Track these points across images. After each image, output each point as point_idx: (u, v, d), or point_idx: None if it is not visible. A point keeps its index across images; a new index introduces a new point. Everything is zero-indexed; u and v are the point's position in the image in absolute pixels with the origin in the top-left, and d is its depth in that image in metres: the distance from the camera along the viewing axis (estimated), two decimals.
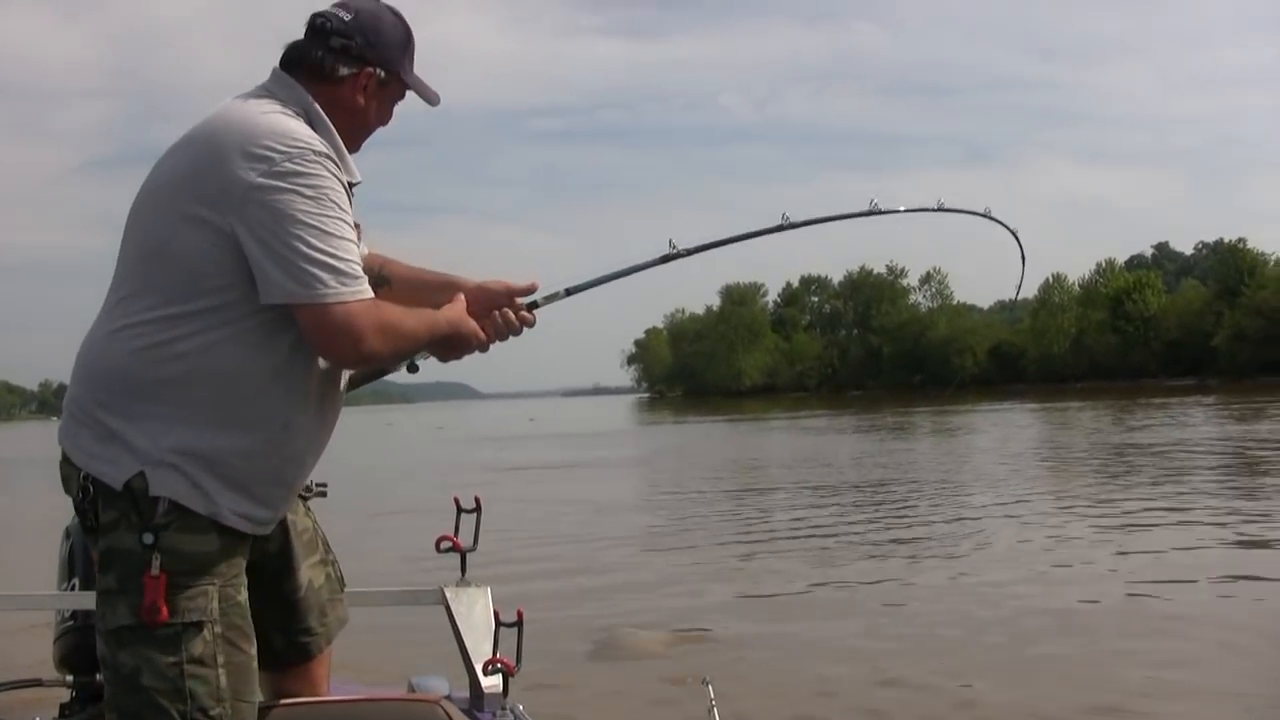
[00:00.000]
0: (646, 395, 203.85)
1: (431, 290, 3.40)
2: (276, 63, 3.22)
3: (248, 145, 2.89)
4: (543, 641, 9.05)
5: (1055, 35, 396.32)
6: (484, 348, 3.31)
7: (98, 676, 3.00)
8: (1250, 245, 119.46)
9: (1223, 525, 15.27)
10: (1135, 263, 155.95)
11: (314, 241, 2.85)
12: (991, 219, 4.49)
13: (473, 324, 3.26)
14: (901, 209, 4.23)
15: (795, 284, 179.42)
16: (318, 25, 3.18)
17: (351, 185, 3.09)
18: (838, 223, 4.11)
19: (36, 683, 4.74)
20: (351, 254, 2.92)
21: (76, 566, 4.02)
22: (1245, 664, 8.52)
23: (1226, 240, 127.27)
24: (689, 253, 3.82)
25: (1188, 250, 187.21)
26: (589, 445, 43.71)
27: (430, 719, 3.33)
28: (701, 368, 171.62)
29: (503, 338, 3.36)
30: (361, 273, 2.95)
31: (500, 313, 3.36)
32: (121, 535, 2.90)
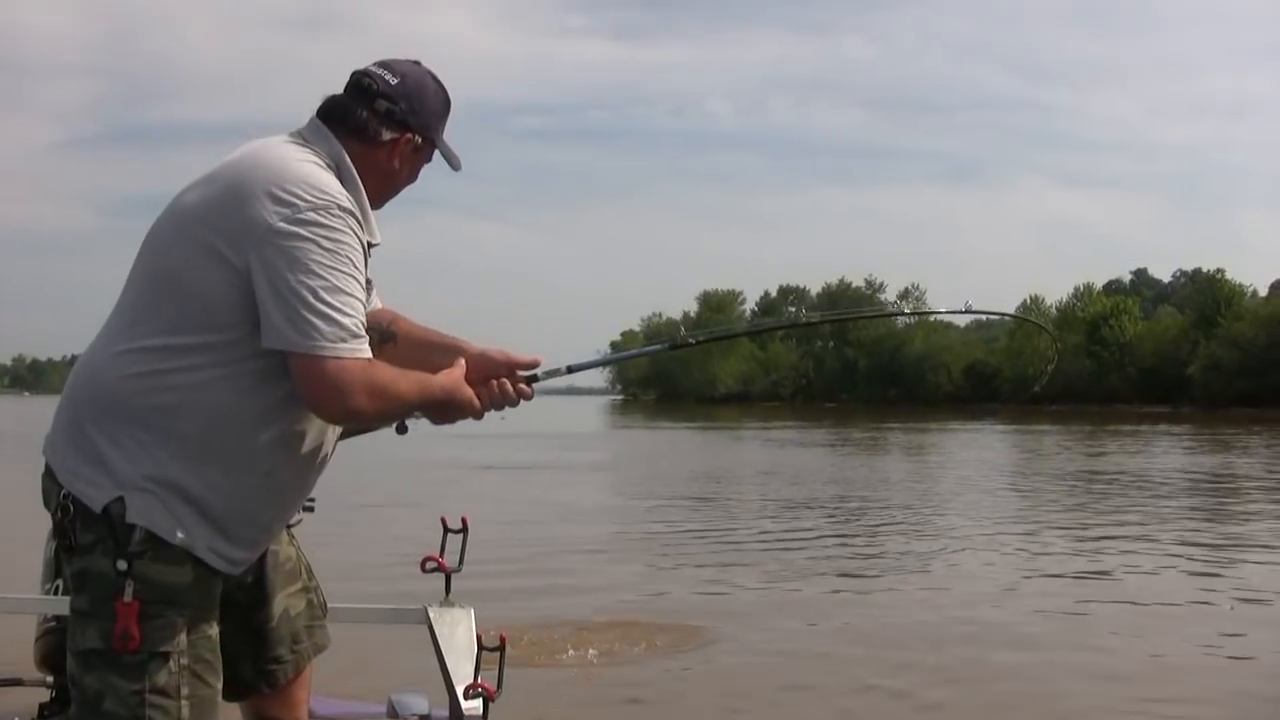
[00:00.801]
0: (620, 397, 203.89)
1: (435, 351, 3.41)
2: (314, 113, 3.21)
3: (274, 188, 2.89)
4: (515, 660, 9.09)
5: (1043, 57, 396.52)
6: (478, 416, 3.31)
7: None
8: (1229, 276, 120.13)
9: (1179, 556, 15.39)
10: (1113, 288, 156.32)
11: (321, 294, 2.85)
12: (1028, 320, 4.62)
13: (468, 392, 3.26)
14: (942, 309, 4.33)
15: (773, 294, 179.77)
16: (364, 85, 3.20)
17: (370, 245, 3.08)
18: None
19: (17, 682, 4.76)
20: (356, 312, 2.92)
21: (61, 568, 4.04)
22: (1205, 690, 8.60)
23: (1205, 270, 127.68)
24: (698, 342, 3.95)
25: (1166, 278, 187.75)
26: (559, 447, 43.52)
27: None
28: (676, 372, 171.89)
29: (498, 407, 3.37)
30: (363, 332, 2.95)
31: (499, 383, 3.36)
32: (97, 559, 2.90)
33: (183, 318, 2.93)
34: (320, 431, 3.13)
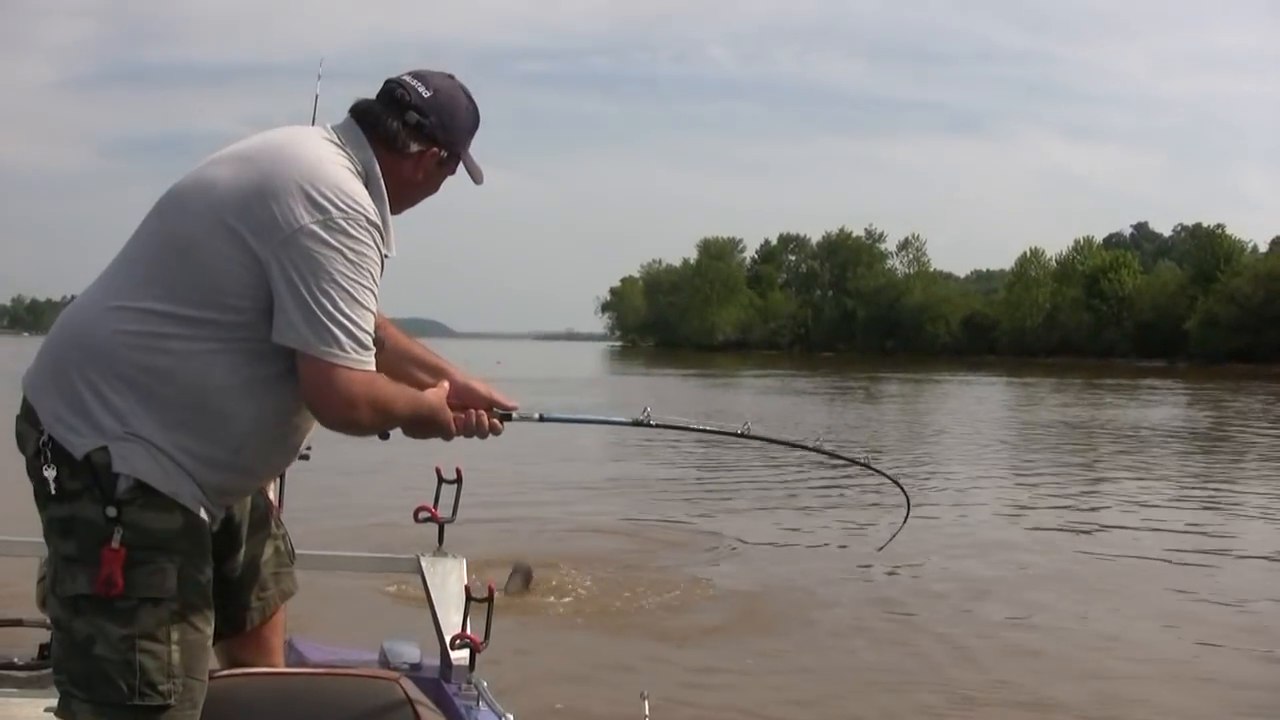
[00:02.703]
0: (619, 344, 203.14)
1: (418, 366, 3.55)
2: (348, 111, 3.27)
3: (309, 188, 2.97)
4: (503, 612, 9.14)
5: (1047, 8, 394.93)
6: (449, 438, 3.41)
7: None
8: (1229, 231, 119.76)
9: (1173, 508, 15.56)
10: (1113, 241, 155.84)
11: (341, 304, 2.95)
12: (844, 458, 4.71)
13: (449, 414, 3.37)
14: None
15: (774, 241, 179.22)
16: (396, 96, 3.23)
17: (385, 257, 3.15)
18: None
19: (17, 622, 4.81)
20: (370, 326, 3.03)
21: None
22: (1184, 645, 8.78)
23: (1205, 225, 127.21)
24: (657, 426, 3.99)
25: (1166, 232, 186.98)
26: (555, 392, 43.52)
27: (388, 696, 3.36)
28: (675, 319, 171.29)
29: (468, 435, 3.47)
30: (372, 345, 3.05)
31: (475, 413, 3.46)
32: (85, 505, 2.95)
33: (190, 290, 3.00)
34: (301, 421, 3.22)
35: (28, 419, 3.08)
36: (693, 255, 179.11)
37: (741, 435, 4.08)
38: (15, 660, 4.42)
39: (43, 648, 4.43)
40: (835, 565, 11.80)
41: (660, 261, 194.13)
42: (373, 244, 3.03)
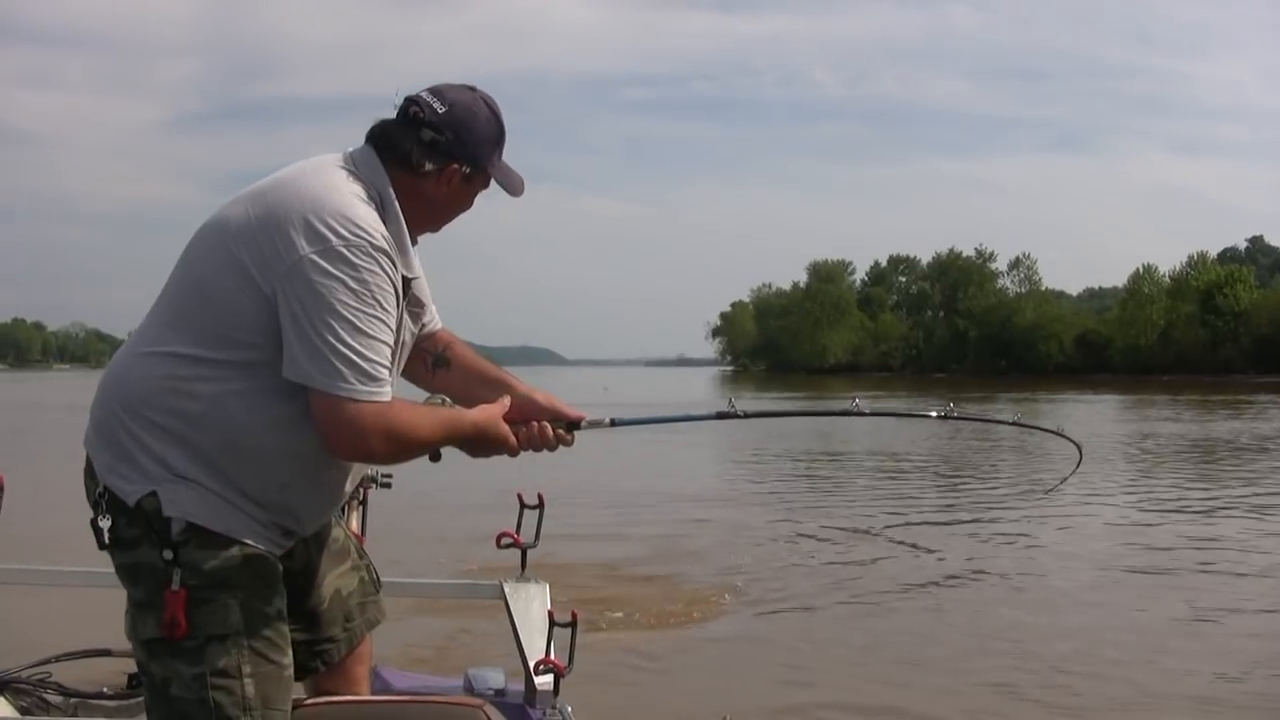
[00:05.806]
0: (730, 368, 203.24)
1: (484, 385, 3.50)
2: (364, 135, 3.22)
3: (311, 218, 2.93)
4: (587, 636, 8.97)
5: (1153, 23, 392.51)
6: (513, 453, 3.36)
7: None
8: None
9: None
10: (1228, 256, 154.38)
11: (343, 335, 2.89)
12: (1022, 425, 4.58)
13: (504, 429, 3.31)
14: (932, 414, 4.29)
15: (883, 263, 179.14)
16: (410, 114, 3.17)
17: (408, 280, 3.12)
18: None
19: (105, 653, 4.87)
20: (379, 355, 2.96)
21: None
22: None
23: None
24: (745, 416, 3.83)
25: None
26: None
27: None
28: (786, 343, 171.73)
29: (535, 449, 3.43)
30: (383, 375, 2.97)
31: (539, 425, 3.43)
32: (146, 551, 2.99)
33: (208, 331, 2.99)
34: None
35: (88, 471, 3.12)
36: (802, 278, 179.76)
37: (850, 413, 3.87)
38: (105, 690, 4.48)
39: (130, 677, 4.48)
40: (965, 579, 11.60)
41: (770, 285, 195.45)
42: (380, 270, 2.97)
